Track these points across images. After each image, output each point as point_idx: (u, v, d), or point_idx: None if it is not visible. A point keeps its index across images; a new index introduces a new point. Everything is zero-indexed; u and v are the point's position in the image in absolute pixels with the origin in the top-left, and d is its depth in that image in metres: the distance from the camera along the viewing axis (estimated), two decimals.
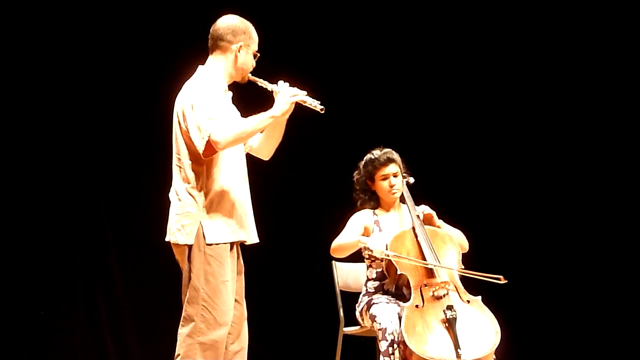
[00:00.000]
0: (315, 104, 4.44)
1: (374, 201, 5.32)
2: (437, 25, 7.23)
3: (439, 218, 5.31)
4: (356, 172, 5.36)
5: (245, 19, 4.57)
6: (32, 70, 6.53)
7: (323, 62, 7.02)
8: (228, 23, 4.49)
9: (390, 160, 5.24)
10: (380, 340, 4.89)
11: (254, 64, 4.53)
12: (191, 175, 4.36)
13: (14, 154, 6.48)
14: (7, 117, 6.48)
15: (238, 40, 4.46)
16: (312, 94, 4.45)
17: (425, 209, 5.26)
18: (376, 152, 5.29)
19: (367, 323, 5.15)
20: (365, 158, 5.32)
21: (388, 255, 5.01)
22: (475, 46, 7.23)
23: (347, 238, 5.16)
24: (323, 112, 4.44)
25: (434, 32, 7.22)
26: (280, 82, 4.45)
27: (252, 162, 4.76)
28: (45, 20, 6.55)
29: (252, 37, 4.51)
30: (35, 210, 6.52)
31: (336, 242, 5.18)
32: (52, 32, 6.56)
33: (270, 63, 4.68)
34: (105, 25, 6.65)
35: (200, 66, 4.51)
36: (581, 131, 7.15)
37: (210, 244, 4.32)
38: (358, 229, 5.23)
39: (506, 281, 4.87)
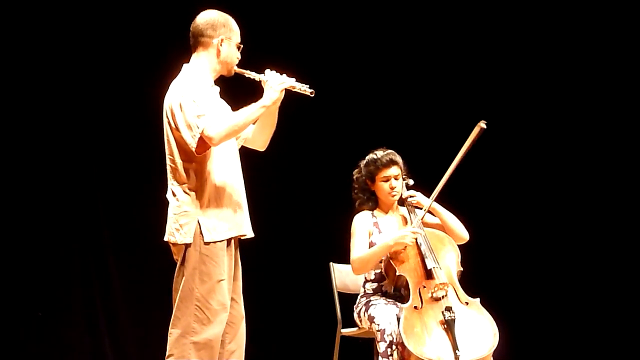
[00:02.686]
0: (304, 89, 4.41)
1: (372, 202, 5.30)
2: (434, 21, 7.22)
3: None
4: (356, 170, 5.32)
5: (239, 12, 4.55)
6: (29, 75, 6.52)
7: (321, 56, 7.02)
8: (207, 18, 4.46)
9: (393, 162, 5.21)
10: (378, 342, 4.88)
11: (239, 56, 4.50)
12: (186, 175, 4.35)
13: (11, 157, 6.48)
14: (4, 120, 6.47)
15: (219, 34, 4.43)
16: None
17: (410, 193, 5.25)
18: (379, 153, 5.25)
19: (365, 324, 5.14)
20: (367, 157, 5.28)
21: (416, 232, 5.04)
22: (474, 44, 7.22)
23: (370, 250, 5.11)
24: (313, 95, 4.41)
25: (430, 27, 7.21)
26: (267, 71, 4.43)
27: (250, 161, 4.76)
28: (37, 25, 6.53)
29: (232, 30, 4.47)
30: (33, 212, 6.51)
31: (359, 257, 5.12)
32: (44, 38, 6.55)
33: (267, 56, 4.67)
34: (97, 26, 6.64)
35: (185, 65, 4.48)
36: (580, 131, 7.15)
37: (208, 243, 4.30)
38: (366, 238, 5.20)
39: (485, 123, 4.97)
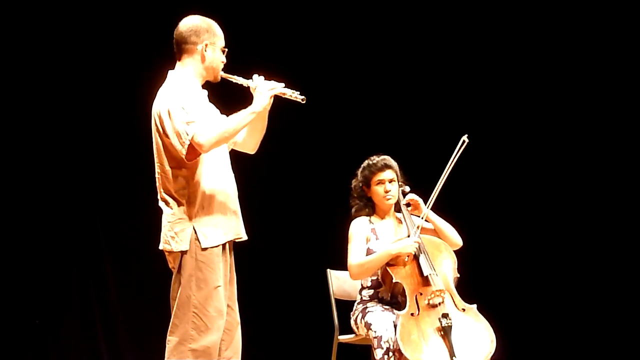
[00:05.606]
0: (295, 95, 4.39)
1: (370, 208, 5.31)
2: (426, 27, 7.24)
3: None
4: (354, 179, 5.35)
5: (230, 16, 4.54)
6: (25, 83, 6.53)
7: (316, 61, 7.03)
8: (190, 24, 4.42)
9: (387, 166, 5.24)
10: (375, 349, 4.89)
11: (224, 60, 4.47)
12: (177, 182, 4.33)
13: (9, 164, 6.48)
14: (1, 127, 6.48)
15: (202, 40, 4.39)
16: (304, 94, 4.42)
17: (411, 196, 5.27)
18: (374, 158, 5.29)
19: (362, 331, 5.14)
20: (363, 164, 5.31)
21: (417, 242, 5.07)
22: (470, 48, 7.24)
23: (370, 256, 5.12)
24: (304, 102, 4.39)
25: (426, 34, 7.23)
26: (255, 76, 4.40)
27: (247, 166, 4.76)
28: (25, 34, 6.54)
29: (216, 34, 4.44)
30: (30, 220, 6.52)
31: (358, 263, 5.13)
32: (32, 48, 6.55)
33: (257, 61, 4.68)
34: (85, 32, 6.65)
35: (170, 71, 4.46)
36: (573, 139, 7.16)
37: (206, 248, 4.29)
38: (364, 243, 5.21)
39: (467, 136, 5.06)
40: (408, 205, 5.30)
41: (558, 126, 7.18)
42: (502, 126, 7.17)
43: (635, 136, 7.09)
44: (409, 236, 5.15)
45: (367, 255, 5.17)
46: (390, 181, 5.24)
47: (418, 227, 5.16)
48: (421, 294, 4.99)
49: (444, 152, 5.18)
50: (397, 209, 5.33)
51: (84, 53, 6.65)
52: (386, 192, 5.23)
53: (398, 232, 5.27)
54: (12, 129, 6.51)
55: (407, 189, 5.35)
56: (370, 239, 5.22)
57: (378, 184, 5.24)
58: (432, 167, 5.27)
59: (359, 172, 5.33)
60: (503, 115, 7.17)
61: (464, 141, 5.14)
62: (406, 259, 5.08)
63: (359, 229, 5.24)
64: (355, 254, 5.16)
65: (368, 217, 5.30)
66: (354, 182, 5.35)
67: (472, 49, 7.22)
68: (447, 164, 5.15)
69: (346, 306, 5.44)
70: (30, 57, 6.54)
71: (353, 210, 5.33)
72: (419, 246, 5.11)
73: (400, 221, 5.31)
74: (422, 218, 5.20)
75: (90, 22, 6.65)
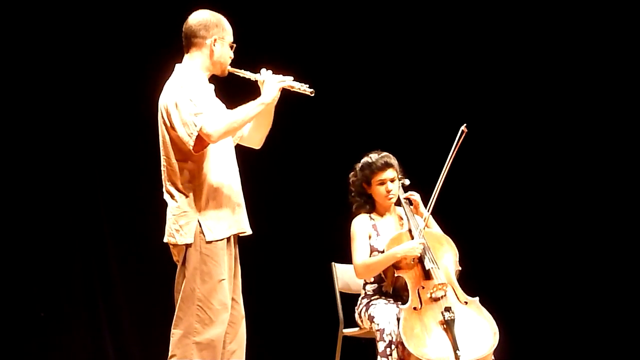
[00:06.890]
0: (304, 88, 4.41)
1: (370, 205, 5.29)
2: (428, 23, 7.23)
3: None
4: (352, 173, 5.31)
5: (234, 11, 4.56)
6: (29, 78, 6.53)
7: (319, 57, 7.01)
8: (199, 18, 4.44)
9: (388, 165, 5.19)
10: (378, 341, 4.90)
11: (232, 55, 4.49)
12: (182, 175, 4.34)
13: (14, 157, 6.49)
14: (6, 120, 6.49)
15: (212, 35, 4.42)
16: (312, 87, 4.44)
17: (411, 194, 5.27)
18: (374, 156, 5.23)
19: (366, 324, 5.15)
20: (362, 161, 5.27)
21: (423, 244, 5.05)
22: (471, 46, 7.23)
23: (376, 257, 5.12)
24: (313, 94, 4.40)
25: (426, 28, 7.22)
26: (263, 70, 4.43)
27: (252, 160, 4.78)
28: (31, 29, 6.54)
29: (225, 29, 4.46)
30: (35, 212, 6.52)
31: (364, 263, 5.13)
32: (38, 42, 6.55)
33: (262, 56, 4.69)
34: (90, 27, 6.66)
35: (177, 65, 4.48)
36: (575, 129, 7.15)
37: (210, 242, 4.30)
38: (367, 241, 5.20)
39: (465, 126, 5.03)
40: (410, 203, 5.30)
41: (558, 116, 7.17)
42: (503, 118, 7.16)
43: (634, 130, 7.08)
44: (409, 231, 5.16)
45: (370, 252, 5.18)
46: (392, 180, 5.20)
47: (423, 229, 5.15)
48: (423, 287, 4.99)
49: (444, 144, 5.19)
50: (398, 202, 5.31)
51: (91, 47, 6.65)
52: (388, 191, 5.20)
53: (399, 228, 5.26)
54: (18, 123, 6.52)
55: (407, 182, 5.33)
56: (372, 236, 5.22)
57: (379, 183, 5.20)
58: (434, 160, 5.28)
59: (357, 169, 5.27)
60: (505, 106, 7.17)
61: (462, 131, 5.13)
62: (412, 262, 5.08)
63: (361, 227, 5.22)
64: (360, 253, 5.16)
65: (369, 214, 5.29)
66: (352, 178, 5.30)
67: (470, 42, 7.21)
68: (447, 156, 5.15)
69: (351, 299, 5.45)
70: (36, 51, 6.54)
71: (354, 207, 5.31)
72: (423, 247, 5.09)
73: (401, 217, 5.30)
74: (423, 219, 5.20)
75: (97, 16, 6.65)
